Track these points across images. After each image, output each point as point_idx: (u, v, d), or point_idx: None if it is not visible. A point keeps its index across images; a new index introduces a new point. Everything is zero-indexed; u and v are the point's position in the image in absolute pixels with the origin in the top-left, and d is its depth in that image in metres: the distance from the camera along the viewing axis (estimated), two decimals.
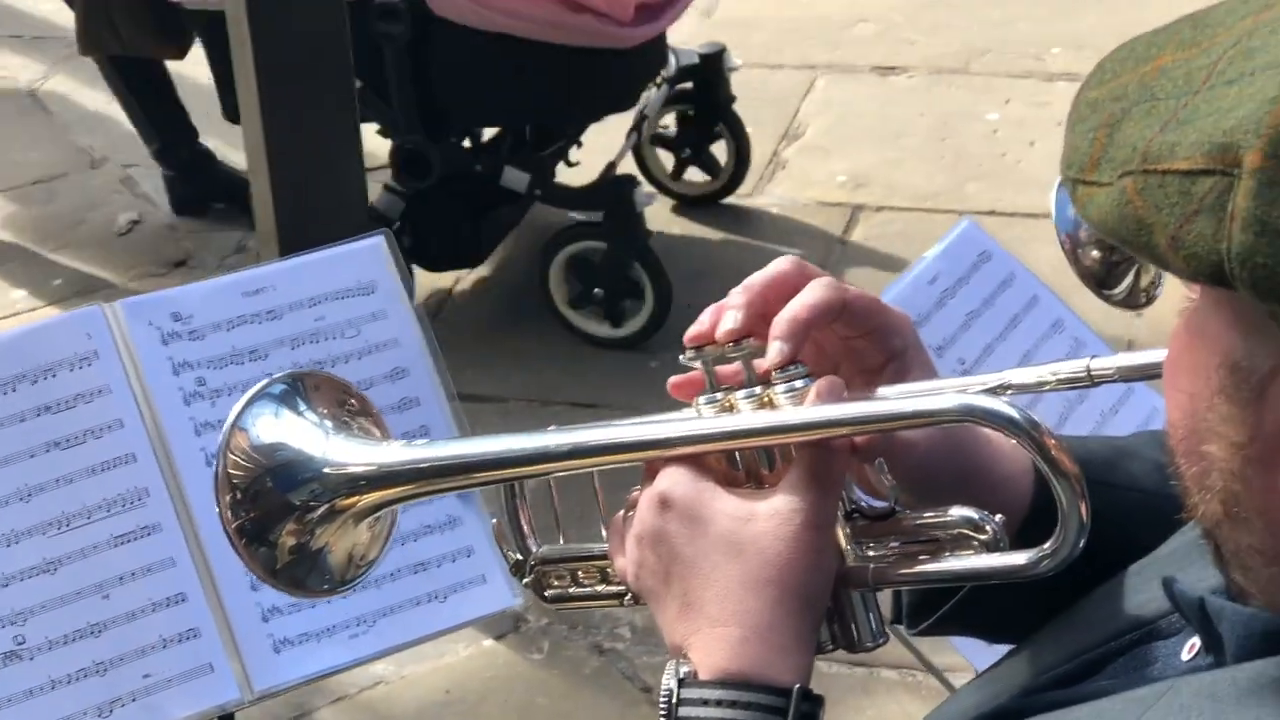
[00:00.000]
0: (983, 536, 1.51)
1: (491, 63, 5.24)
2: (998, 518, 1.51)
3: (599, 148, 5.72)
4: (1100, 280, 2.42)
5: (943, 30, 6.97)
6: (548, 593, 1.75)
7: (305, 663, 2.35)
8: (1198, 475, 1.33)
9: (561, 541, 1.74)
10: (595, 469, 1.62)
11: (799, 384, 1.55)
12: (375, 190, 5.39)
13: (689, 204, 6.10)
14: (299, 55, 3.80)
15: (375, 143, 5.33)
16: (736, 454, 1.56)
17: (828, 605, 1.54)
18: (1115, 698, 1.41)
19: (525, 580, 1.75)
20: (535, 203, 5.61)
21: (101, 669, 2.27)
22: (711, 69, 5.91)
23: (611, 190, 5.55)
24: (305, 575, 1.65)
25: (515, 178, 5.47)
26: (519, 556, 1.74)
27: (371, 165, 5.05)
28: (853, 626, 1.57)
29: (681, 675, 1.49)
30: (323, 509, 1.62)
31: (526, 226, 5.77)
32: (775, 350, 1.56)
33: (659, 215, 5.79)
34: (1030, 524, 1.60)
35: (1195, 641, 1.43)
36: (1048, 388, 1.59)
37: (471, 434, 2.28)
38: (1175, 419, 1.35)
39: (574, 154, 5.68)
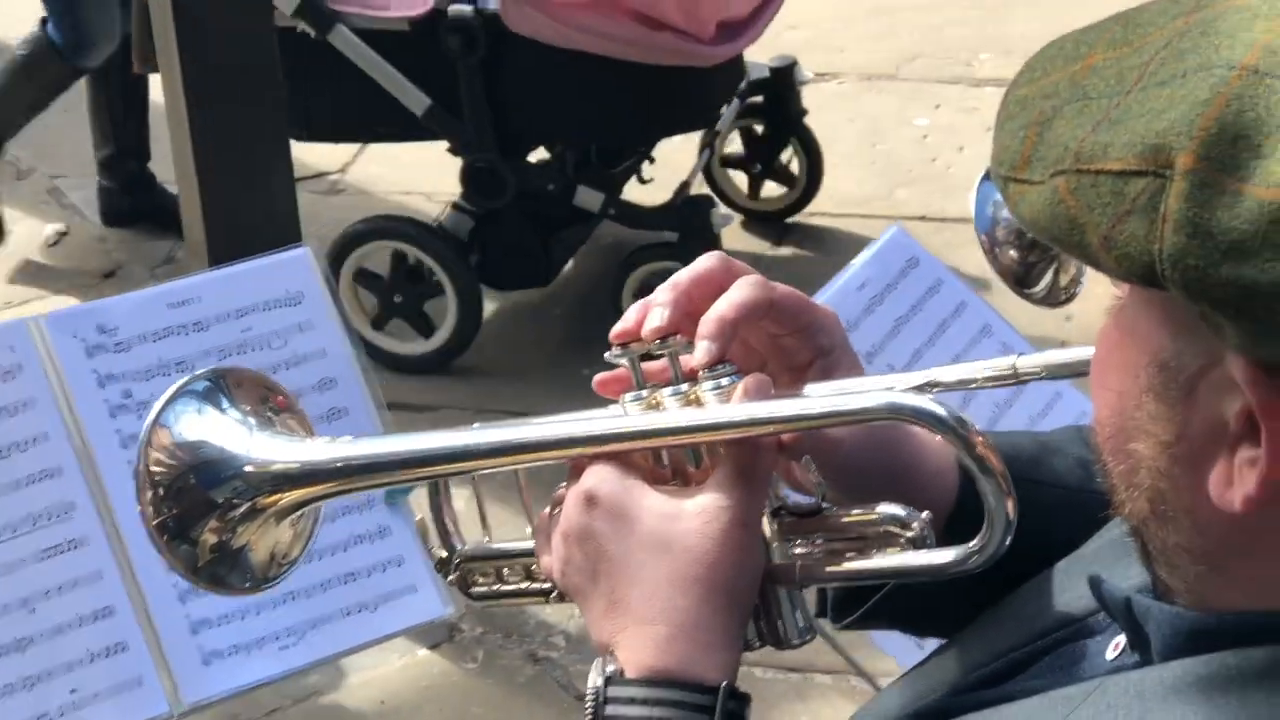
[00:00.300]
0: (909, 533, 1.51)
1: (568, 81, 5.19)
2: (924, 514, 1.51)
3: (664, 162, 5.68)
4: (1019, 279, 2.43)
5: (872, 37, 6.99)
6: (473, 590, 1.74)
7: (235, 675, 2.34)
8: (1125, 473, 1.34)
9: (487, 539, 1.73)
10: (521, 466, 1.61)
11: (726, 381, 1.55)
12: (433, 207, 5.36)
13: (758, 220, 6.03)
14: (226, 63, 3.78)
15: (301, 151, 5.30)
16: (663, 451, 1.55)
17: (754, 603, 1.53)
18: (1043, 696, 1.41)
19: (450, 577, 1.74)
20: (604, 221, 5.54)
21: (29, 684, 2.25)
22: (782, 82, 5.83)
23: (687, 210, 5.48)
24: (227, 573, 1.64)
25: (589, 197, 5.41)
26: (444, 554, 1.73)
27: (302, 175, 5.02)
28: (779, 624, 1.56)
29: (608, 673, 1.49)
30: (245, 507, 1.61)
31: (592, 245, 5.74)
32: (703, 350, 1.55)
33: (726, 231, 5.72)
34: (957, 519, 1.60)
35: (1121, 639, 1.44)
36: (974, 385, 1.59)
37: None
38: (1103, 417, 1.36)
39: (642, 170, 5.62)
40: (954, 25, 7.00)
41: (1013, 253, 2.41)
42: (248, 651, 2.35)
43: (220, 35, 3.77)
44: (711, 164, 5.90)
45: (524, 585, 1.71)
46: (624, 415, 1.58)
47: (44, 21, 5.83)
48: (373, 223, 5.53)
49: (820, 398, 1.55)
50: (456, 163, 5.47)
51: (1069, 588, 1.55)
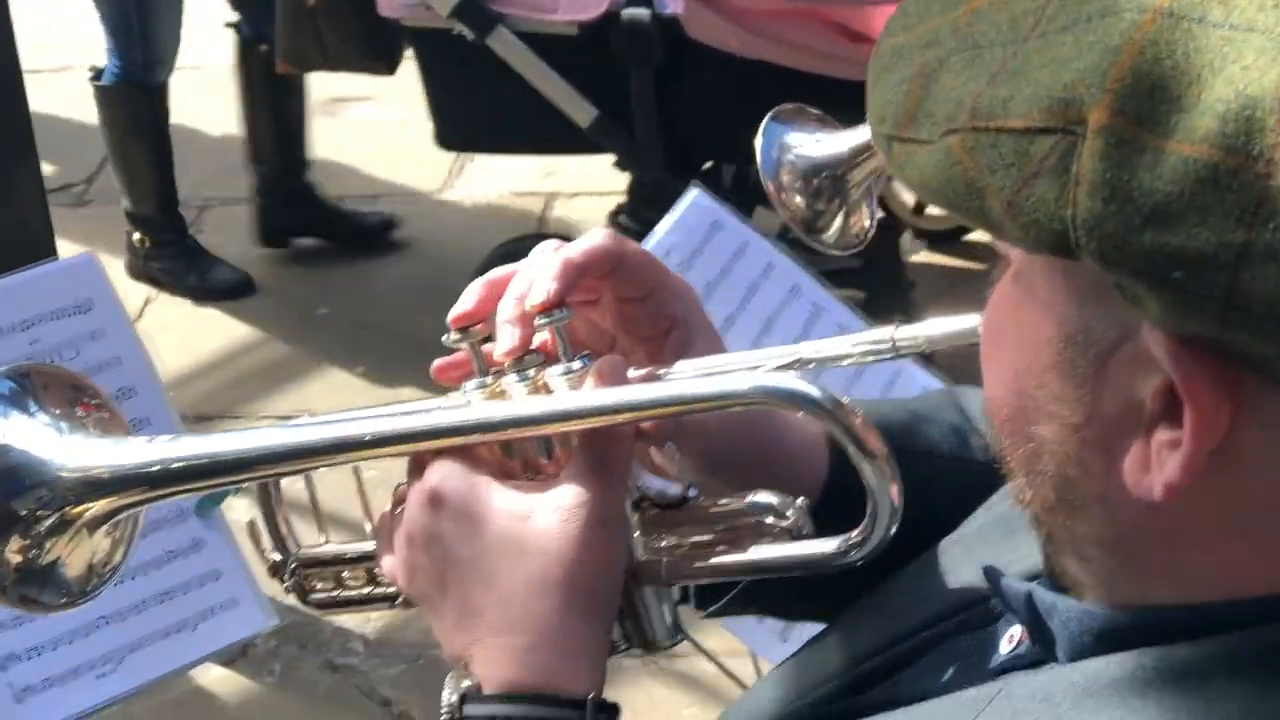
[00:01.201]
0: (784, 523, 1.36)
1: (749, 93, 4.56)
2: (799, 502, 1.36)
3: None
4: (808, 224, 2.29)
5: None
6: (311, 597, 1.57)
7: (52, 709, 2.12)
8: (1026, 458, 1.18)
9: (325, 541, 1.57)
10: (358, 463, 1.44)
11: (577, 365, 1.40)
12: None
13: (933, 239, 5.68)
14: None
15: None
16: (512, 444, 1.40)
17: (619, 604, 1.38)
18: (940, 700, 1.27)
19: (286, 584, 1.57)
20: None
21: None
22: None
23: (875, 237, 5.10)
24: (38, 591, 1.44)
25: (768, 220, 4.87)
26: (277, 557, 1.56)
27: (47, 187, 4.74)
28: (646, 624, 1.41)
29: (464, 689, 1.34)
30: (53, 518, 1.42)
31: None
32: (540, 290, 1.40)
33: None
34: (831, 496, 1.46)
35: (1016, 630, 1.30)
36: (849, 361, 1.44)
37: None
38: (998, 396, 1.20)
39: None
40: None
41: (799, 199, 2.26)
42: (63, 683, 2.13)
43: None
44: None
45: (367, 591, 1.54)
46: (467, 405, 1.42)
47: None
48: (523, 242, 5.21)
49: (682, 380, 1.41)
50: (213, 165, 5.17)
51: (954, 570, 1.41)
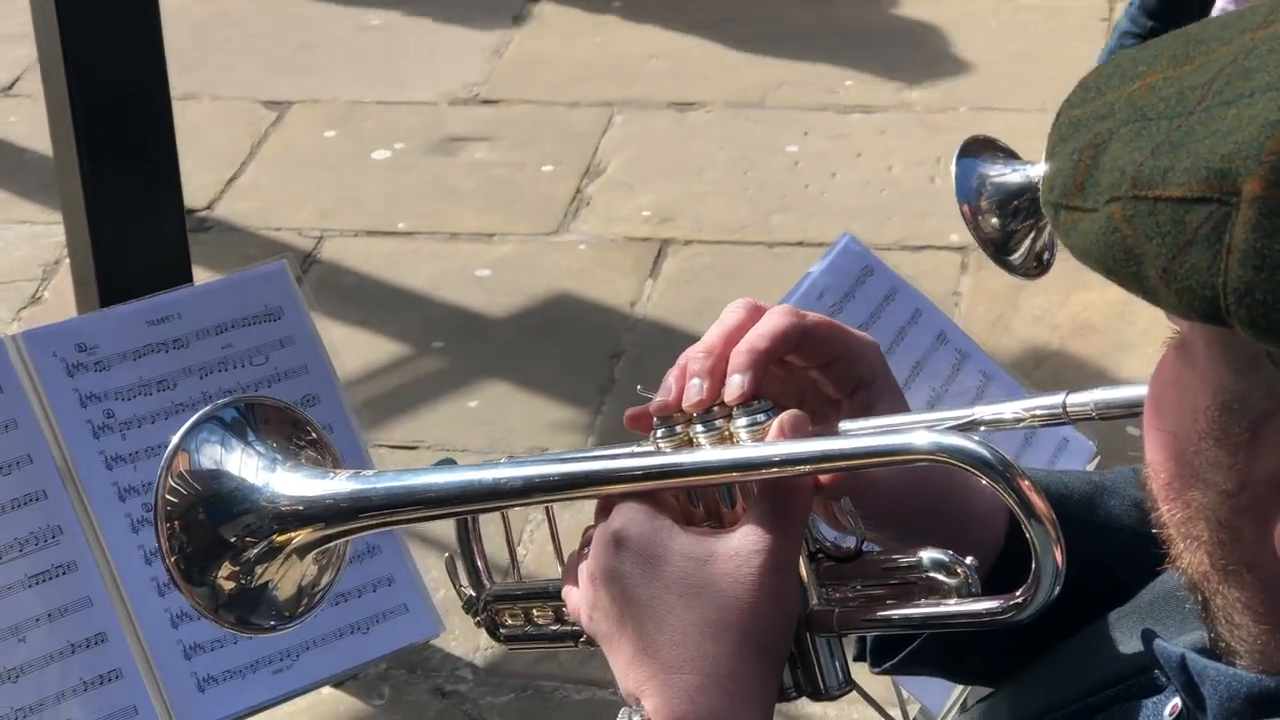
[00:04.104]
0: (953, 581, 1.26)
1: None
2: (969, 561, 1.26)
3: None
4: (999, 246, 2.19)
5: (736, 65, 6.66)
6: (501, 631, 1.48)
7: (230, 701, 2.03)
8: (1182, 523, 1.10)
9: (516, 578, 1.48)
10: (550, 504, 1.38)
11: (761, 418, 1.30)
12: None
13: None
14: (117, 97, 3.35)
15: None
16: (696, 491, 1.30)
17: (790, 650, 1.28)
18: None
19: (478, 619, 1.48)
20: None
21: (21, 715, 1.94)
22: None
23: None
24: (251, 613, 1.38)
25: None
26: (472, 593, 1.47)
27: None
28: (817, 672, 1.31)
29: None
30: (260, 546, 1.35)
31: None
32: (735, 385, 1.31)
33: None
34: (1005, 561, 1.35)
35: (1178, 702, 1.20)
36: (1022, 424, 1.35)
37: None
38: (1157, 461, 1.11)
39: None
40: (816, 52, 6.68)
41: (995, 220, 2.17)
42: (242, 676, 2.04)
43: (109, 69, 3.33)
44: None
45: (553, 628, 1.45)
46: (655, 452, 1.33)
47: None
48: None
49: (860, 436, 1.30)
50: (330, 197, 4.97)
51: (1122, 641, 1.31)
